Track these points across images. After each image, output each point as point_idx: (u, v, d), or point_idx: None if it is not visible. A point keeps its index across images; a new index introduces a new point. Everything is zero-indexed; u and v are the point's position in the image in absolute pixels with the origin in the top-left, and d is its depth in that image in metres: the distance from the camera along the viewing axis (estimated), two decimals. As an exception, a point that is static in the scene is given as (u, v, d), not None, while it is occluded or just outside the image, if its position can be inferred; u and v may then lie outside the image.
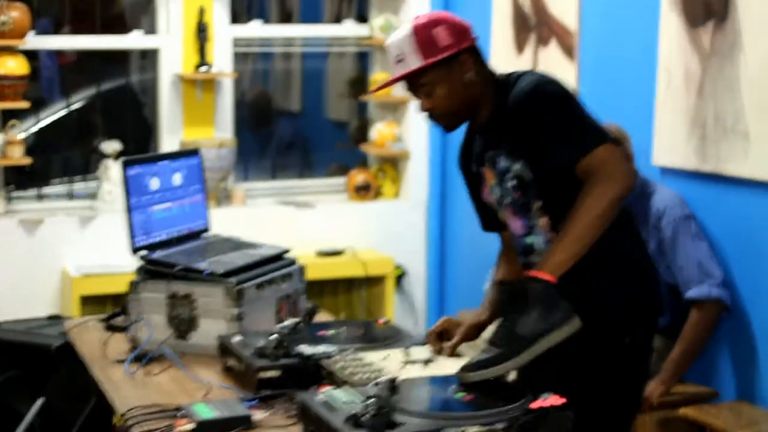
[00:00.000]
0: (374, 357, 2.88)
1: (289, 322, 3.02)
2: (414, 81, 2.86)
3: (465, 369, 2.58)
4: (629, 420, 3.01)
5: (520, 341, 2.56)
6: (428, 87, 2.85)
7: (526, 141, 2.80)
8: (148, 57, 6.07)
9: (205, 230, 3.72)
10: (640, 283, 2.93)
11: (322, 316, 3.67)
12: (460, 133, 3.08)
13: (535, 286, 2.61)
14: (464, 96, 2.86)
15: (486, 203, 3.03)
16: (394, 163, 6.38)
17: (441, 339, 3.03)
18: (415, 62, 2.81)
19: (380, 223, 6.17)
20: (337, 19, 6.50)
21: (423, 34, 2.81)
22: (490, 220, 3.09)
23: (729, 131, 4.05)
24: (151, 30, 5.93)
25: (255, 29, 6.13)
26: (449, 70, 2.83)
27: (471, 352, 4.02)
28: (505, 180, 2.89)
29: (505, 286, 2.88)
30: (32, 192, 5.84)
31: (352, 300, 6.07)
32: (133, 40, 5.90)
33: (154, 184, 3.51)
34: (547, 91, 2.77)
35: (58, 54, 6.14)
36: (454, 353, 2.98)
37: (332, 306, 5.93)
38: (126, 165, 3.42)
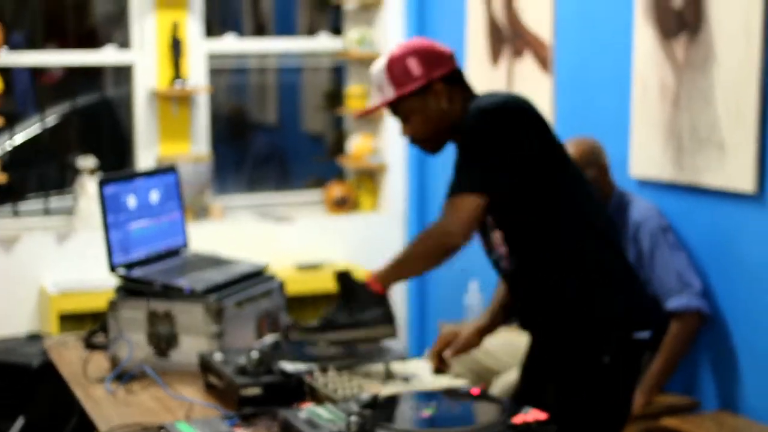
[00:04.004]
0: (356, 373, 2.88)
1: (269, 338, 3.02)
2: (392, 109, 2.99)
3: (298, 327, 3.05)
4: None
5: (334, 324, 2.96)
6: (404, 115, 2.96)
7: None
8: (122, 71, 6.06)
9: (184, 247, 3.72)
10: (614, 297, 2.92)
11: (302, 332, 3.67)
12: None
13: (360, 288, 2.93)
14: (439, 123, 2.95)
15: None
16: (371, 176, 6.39)
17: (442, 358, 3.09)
18: (389, 92, 2.94)
19: (359, 236, 6.18)
20: (311, 31, 6.51)
21: (397, 66, 2.92)
22: None
23: (704, 142, 4.07)
24: (124, 44, 5.92)
25: (229, 44, 6.14)
26: (424, 100, 2.93)
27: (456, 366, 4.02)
28: None
29: (345, 280, 3.01)
30: (8, 208, 5.82)
31: (331, 314, 6.06)
32: (107, 56, 5.89)
33: (131, 202, 3.50)
34: (468, 123, 2.86)
35: (37, 73, 6.12)
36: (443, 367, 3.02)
37: (313, 320, 5.91)
38: (102, 183, 3.40)
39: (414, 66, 2.91)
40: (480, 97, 2.93)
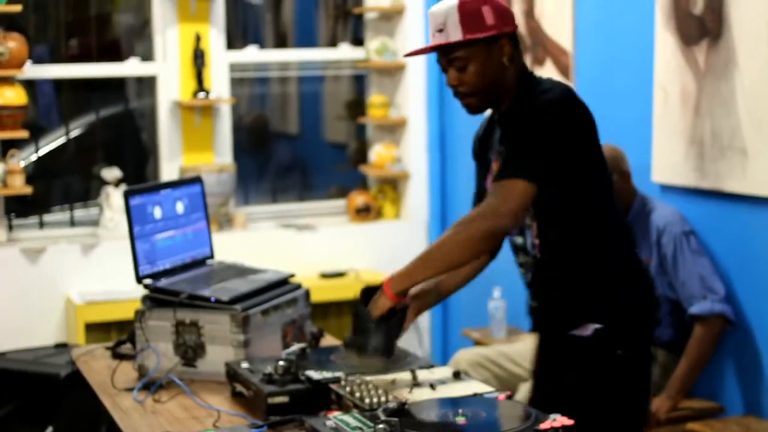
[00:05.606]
0: (382, 381, 2.89)
1: (295, 347, 3.04)
2: (449, 53, 2.87)
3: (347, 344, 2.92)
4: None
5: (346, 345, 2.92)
6: (462, 62, 2.85)
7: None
8: (145, 83, 6.10)
9: (209, 257, 3.74)
10: (630, 292, 2.97)
11: (327, 340, 3.69)
12: (466, 141, 3.11)
13: (364, 309, 2.82)
14: (494, 79, 2.87)
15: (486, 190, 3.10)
16: (393, 184, 6.40)
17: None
18: (455, 35, 2.82)
19: (382, 244, 6.19)
20: (333, 43, 6.54)
21: (470, 9, 2.82)
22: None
23: (726, 148, 4.08)
24: (147, 56, 5.97)
25: (251, 54, 6.17)
26: (488, 51, 2.84)
27: (473, 372, 4.02)
28: None
29: (366, 292, 2.93)
30: (34, 220, 5.86)
31: (355, 322, 6.07)
32: (130, 68, 5.94)
33: (157, 213, 3.52)
34: (537, 112, 2.79)
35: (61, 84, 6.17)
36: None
37: (337, 328, 5.94)
38: (128, 195, 3.43)
39: (488, 14, 2.83)
40: (542, 81, 2.89)
